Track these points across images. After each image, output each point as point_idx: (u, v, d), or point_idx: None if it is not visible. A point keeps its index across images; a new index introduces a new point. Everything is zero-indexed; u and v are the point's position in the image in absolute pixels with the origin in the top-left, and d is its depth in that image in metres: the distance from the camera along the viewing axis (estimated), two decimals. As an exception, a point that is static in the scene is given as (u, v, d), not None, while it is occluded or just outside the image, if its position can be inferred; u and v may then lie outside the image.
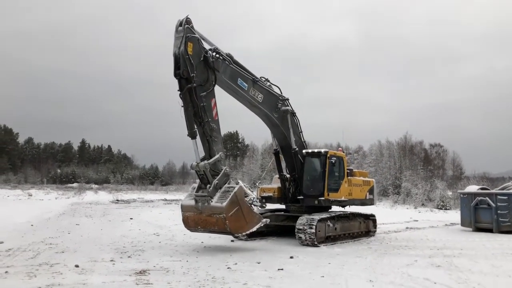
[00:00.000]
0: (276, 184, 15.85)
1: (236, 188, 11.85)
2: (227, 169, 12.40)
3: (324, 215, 13.98)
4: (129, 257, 11.04)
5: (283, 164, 15.71)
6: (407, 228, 19.88)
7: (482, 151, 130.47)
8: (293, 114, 14.97)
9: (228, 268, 9.75)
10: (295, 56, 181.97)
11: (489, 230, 17.85)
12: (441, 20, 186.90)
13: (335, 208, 15.78)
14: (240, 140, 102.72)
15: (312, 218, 13.46)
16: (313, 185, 14.82)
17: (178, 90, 11.88)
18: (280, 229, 15.28)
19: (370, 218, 16.38)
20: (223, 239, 14.35)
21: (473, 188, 20.20)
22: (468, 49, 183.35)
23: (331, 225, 14.13)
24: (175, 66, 11.79)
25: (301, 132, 15.48)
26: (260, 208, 17.71)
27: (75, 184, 72.20)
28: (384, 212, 28.68)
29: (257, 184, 25.09)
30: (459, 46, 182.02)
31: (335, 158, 14.88)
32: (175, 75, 11.80)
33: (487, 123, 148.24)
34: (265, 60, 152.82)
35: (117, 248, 12.38)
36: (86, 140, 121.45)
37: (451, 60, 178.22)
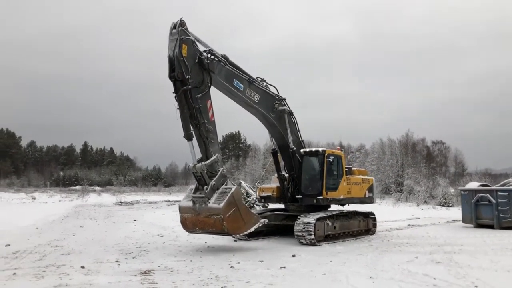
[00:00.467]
0: (275, 183, 15.94)
1: (233, 189, 11.89)
2: (224, 170, 12.44)
3: (323, 214, 14.05)
4: (133, 257, 11.22)
5: (282, 164, 15.78)
6: (408, 225, 20.01)
7: (485, 147, 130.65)
8: (290, 113, 15.03)
9: (231, 267, 9.92)
10: (295, 55, 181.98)
11: (490, 227, 17.98)
12: (442, 16, 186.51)
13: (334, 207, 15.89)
14: (242, 140, 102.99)
15: (311, 217, 13.54)
16: (311, 184, 14.87)
17: (174, 92, 11.95)
18: (280, 228, 15.35)
19: (370, 217, 16.46)
20: (226, 239, 14.51)
21: (473, 185, 20.33)
22: (469, 45, 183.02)
23: (330, 224, 14.20)
24: (170, 69, 11.82)
25: (299, 131, 15.55)
26: (262, 208, 17.97)
27: (78, 187, 72.45)
28: (387, 210, 28.86)
29: (256, 184, 25.30)
30: (460, 42, 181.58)
31: (333, 157, 14.95)
32: (170, 77, 11.84)
33: (490, 120, 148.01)
34: (265, 60, 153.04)
35: (122, 249, 12.57)
36: (88, 142, 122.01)
37: (452, 56, 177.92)
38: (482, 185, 20.10)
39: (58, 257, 11.16)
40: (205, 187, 11.96)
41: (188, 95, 11.77)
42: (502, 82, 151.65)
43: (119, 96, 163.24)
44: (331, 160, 14.81)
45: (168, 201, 43.17)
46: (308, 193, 14.78)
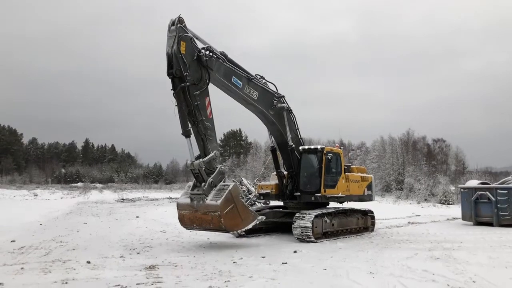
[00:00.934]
0: (273, 181, 15.96)
1: (231, 186, 11.92)
2: (222, 167, 12.47)
3: (320, 211, 14.10)
4: (138, 253, 11.41)
5: (282, 162, 15.83)
6: (409, 222, 20.18)
7: (486, 146, 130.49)
8: (289, 111, 15.05)
9: (234, 262, 10.10)
10: (294, 54, 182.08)
11: (490, 224, 18.15)
12: (441, 15, 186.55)
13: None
14: (243, 138, 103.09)
15: (308, 215, 13.61)
16: (310, 182, 14.93)
17: (172, 89, 11.99)
18: (279, 225, 15.40)
19: (368, 214, 16.55)
20: (228, 236, 14.68)
21: (473, 183, 20.50)
22: (468, 44, 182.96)
23: (328, 221, 14.26)
24: (168, 65, 11.84)
25: (298, 129, 15.56)
26: (263, 205, 18.11)
27: (79, 184, 72.82)
28: (387, 208, 29.08)
29: (255, 181, 25.44)
30: (459, 41, 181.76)
31: (331, 155, 14.99)
32: (168, 74, 11.87)
33: (491, 118, 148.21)
34: (265, 59, 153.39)
35: (126, 245, 12.76)
36: (89, 139, 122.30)
37: (451, 55, 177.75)
38: (482, 183, 20.28)
39: (63, 253, 11.36)
40: (203, 184, 12.00)
41: (186, 92, 11.77)
42: (502, 79, 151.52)
43: (120, 93, 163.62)
44: (329, 158, 14.85)
45: (170, 198, 43.35)
46: (306, 190, 14.84)
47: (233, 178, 40.21)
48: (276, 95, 14.74)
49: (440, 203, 34.26)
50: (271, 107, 14.52)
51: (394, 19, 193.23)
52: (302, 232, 13.43)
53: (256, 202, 19.94)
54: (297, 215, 13.86)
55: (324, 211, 14.31)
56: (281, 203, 16.12)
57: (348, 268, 9.32)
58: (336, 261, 10.30)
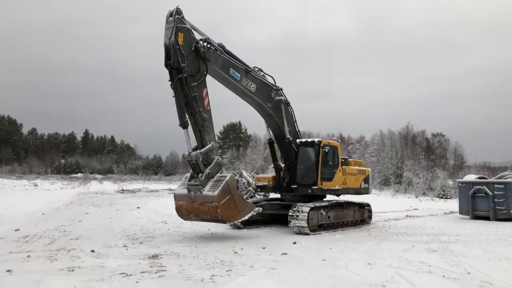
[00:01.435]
0: (271, 173, 16.06)
1: (228, 177, 12.00)
2: (220, 158, 12.53)
3: (316, 204, 14.19)
4: (140, 243, 11.63)
5: (279, 154, 15.92)
6: (407, 216, 20.42)
7: (486, 141, 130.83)
8: (287, 103, 15.10)
9: (235, 252, 10.33)
10: (294, 47, 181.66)
11: (487, 218, 18.39)
12: (440, 9, 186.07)
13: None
14: (243, 130, 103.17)
15: (304, 207, 13.71)
16: (306, 174, 15.05)
17: (169, 81, 12.04)
18: (276, 217, 15.51)
19: (365, 207, 16.69)
20: (228, 227, 14.84)
21: (471, 177, 20.73)
22: (469, 39, 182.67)
23: (324, 213, 14.38)
24: (165, 57, 11.82)
25: (296, 121, 15.62)
26: (263, 197, 18.31)
27: (79, 174, 72.91)
28: (385, 201, 29.30)
29: (252, 174, 25.62)
30: (459, 36, 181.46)
31: (328, 148, 15.06)
32: (166, 65, 11.83)
33: (491, 113, 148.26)
34: (265, 52, 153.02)
35: (128, 235, 12.97)
36: (89, 130, 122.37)
37: (451, 49, 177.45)
38: (480, 178, 20.50)
39: (67, 242, 11.58)
40: (200, 175, 12.07)
41: (183, 83, 11.79)
42: (502, 75, 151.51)
43: (120, 84, 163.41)
44: (326, 151, 14.92)
45: (170, 189, 43.50)
46: (303, 183, 14.95)
47: (233, 170, 40.41)
48: (274, 87, 14.75)
49: (438, 197, 34.52)
50: (269, 100, 14.54)
51: (393, 13, 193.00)
52: (298, 224, 13.55)
53: (256, 195, 20.16)
54: (292, 207, 13.94)
55: (318, 204, 14.30)
56: (278, 196, 16.25)
57: (347, 260, 9.55)
58: (335, 252, 10.52)
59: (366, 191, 17.03)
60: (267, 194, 18.58)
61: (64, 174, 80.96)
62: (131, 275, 7.89)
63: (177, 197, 12.70)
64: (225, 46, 13.25)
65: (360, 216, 16.43)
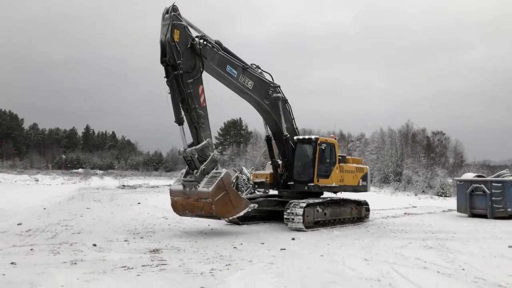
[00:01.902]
0: (269, 170, 16.18)
1: (222, 174, 12.08)
2: (215, 155, 12.62)
3: (310, 201, 14.24)
4: (141, 238, 11.81)
5: (277, 151, 15.99)
6: (405, 213, 20.58)
7: (486, 139, 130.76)
8: (284, 101, 15.16)
9: (234, 248, 10.51)
10: (294, 44, 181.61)
11: (484, 216, 18.55)
12: (440, 8, 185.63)
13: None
14: (244, 127, 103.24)
15: (300, 204, 13.77)
16: (303, 171, 15.13)
17: (165, 77, 12.04)
18: (273, 214, 15.56)
19: (363, 205, 16.78)
20: (227, 223, 15.03)
21: (469, 176, 20.88)
22: (468, 36, 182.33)
23: (320, 210, 14.46)
24: (161, 53, 11.91)
25: (294, 118, 15.70)
26: (263, 194, 18.46)
27: (80, 170, 73.12)
28: (385, 199, 29.49)
29: (251, 170, 25.78)
30: (459, 33, 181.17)
31: (325, 145, 15.09)
32: (162, 62, 11.93)
33: (491, 112, 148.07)
34: (265, 48, 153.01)
35: (129, 230, 13.15)
36: (90, 126, 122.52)
37: (451, 47, 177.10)
38: (478, 176, 20.66)
39: (69, 236, 11.76)
40: (195, 171, 12.19)
41: (179, 80, 11.86)
42: (502, 73, 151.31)
43: (121, 80, 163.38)
44: (323, 148, 14.96)
45: (170, 185, 43.65)
46: (300, 179, 15.03)
47: (233, 167, 40.58)
48: (272, 85, 14.82)
49: (438, 195, 34.66)
50: (266, 97, 14.60)
51: (393, 11, 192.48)
52: (294, 225, 13.61)
53: (256, 191, 20.32)
54: (288, 204, 13.99)
55: (311, 201, 14.28)
56: (277, 192, 16.32)
57: (344, 255, 9.72)
58: (332, 248, 10.70)
59: (364, 189, 17.07)
60: (267, 191, 18.73)
61: (65, 169, 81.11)
62: (132, 268, 8.06)
63: (172, 193, 12.83)
64: (222, 44, 13.32)
65: (357, 214, 16.49)
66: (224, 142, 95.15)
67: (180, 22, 12.03)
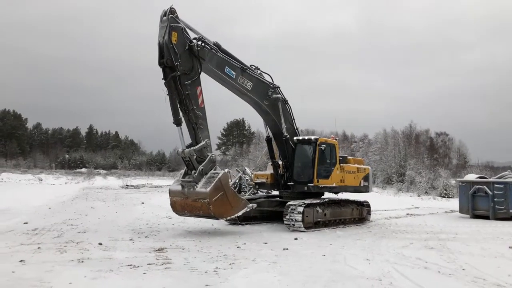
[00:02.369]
0: (269, 170, 16.24)
1: (220, 174, 12.18)
2: (213, 155, 12.72)
3: (312, 201, 14.28)
4: (146, 237, 11.97)
5: (277, 152, 16.02)
6: (407, 214, 20.65)
7: (490, 140, 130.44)
8: (284, 101, 15.22)
9: (238, 247, 10.66)
10: (295, 44, 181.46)
11: (486, 217, 18.62)
12: (441, 6, 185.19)
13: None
14: (247, 128, 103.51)
15: (297, 208, 13.77)
16: (303, 172, 15.19)
17: (163, 79, 12.14)
18: (273, 214, 15.62)
19: (364, 205, 16.79)
20: (230, 222, 15.16)
21: (471, 177, 20.96)
22: (469, 36, 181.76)
23: (320, 211, 14.51)
24: (159, 55, 12.00)
25: (294, 119, 15.77)
26: (265, 194, 18.56)
27: (84, 169, 73.45)
28: (387, 200, 29.57)
29: (252, 171, 25.88)
30: (461, 33, 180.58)
31: (325, 145, 15.07)
32: (160, 63, 12.01)
33: (495, 112, 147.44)
34: (266, 48, 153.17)
35: (134, 229, 13.32)
36: (93, 126, 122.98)
37: (452, 46, 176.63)
38: (480, 177, 20.74)
39: (75, 235, 11.93)
40: (193, 172, 12.31)
41: (177, 81, 11.97)
42: (504, 73, 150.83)
43: (125, 80, 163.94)
44: (323, 149, 14.96)
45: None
46: (300, 180, 15.10)
47: (236, 167, 40.72)
48: (271, 85, 14.89)
49: (440, 196, 34.71)
50: (266, 98, 14.66)
51: (395, 10, 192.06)
52: (292, 221, 13.67)
53: (258, 191, 20.44)
54: (287, 205, 14.03)
55: (308, 202, 14.19)
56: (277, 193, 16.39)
57: (346, 255, 9.86)
58: (335, 248, 10.83)
59: (366, 190, 17.06)
60: (270, 191, 18.84)
61: (68, 169, 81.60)
62: (138, 266, 8.23)
63: (171, 193, 12.99)
64: (220, 45, 13.42)
65: (358, 214, 16.51)
66: (227, 142, 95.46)
67: (177, 24, 12.16)
